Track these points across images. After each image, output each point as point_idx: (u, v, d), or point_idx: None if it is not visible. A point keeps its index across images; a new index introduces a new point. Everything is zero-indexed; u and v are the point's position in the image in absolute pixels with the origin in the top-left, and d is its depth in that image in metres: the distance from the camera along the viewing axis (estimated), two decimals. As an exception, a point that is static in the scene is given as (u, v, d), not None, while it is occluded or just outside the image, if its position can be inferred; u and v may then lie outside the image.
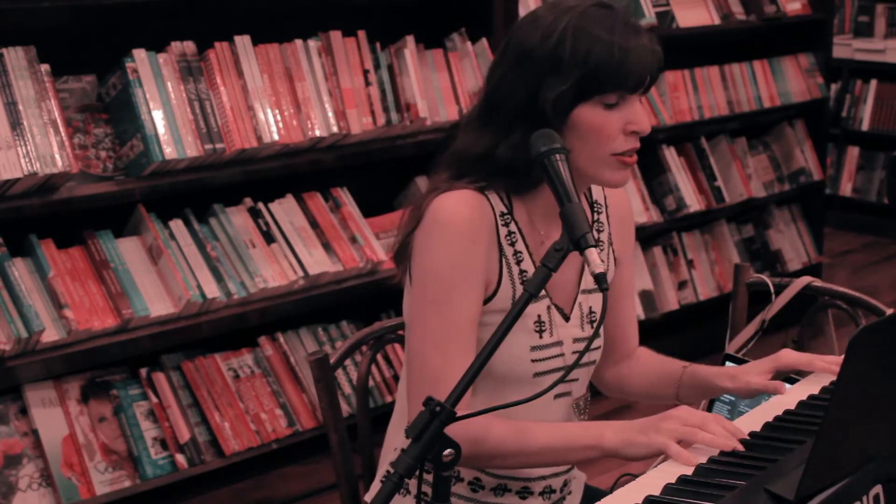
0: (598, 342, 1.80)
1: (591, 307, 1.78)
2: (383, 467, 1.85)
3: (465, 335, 1.63)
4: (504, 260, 1.68)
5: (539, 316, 1.70)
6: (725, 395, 2.06)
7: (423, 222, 1.65)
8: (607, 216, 1.85)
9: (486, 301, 1.67)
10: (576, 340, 1.75)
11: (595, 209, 1.84)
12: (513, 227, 1.69)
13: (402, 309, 1.76)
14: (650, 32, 1.65)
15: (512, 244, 1.69)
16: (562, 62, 1.59)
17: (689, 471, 1.45)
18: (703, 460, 1.49)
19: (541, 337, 1.69)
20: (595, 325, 1.77)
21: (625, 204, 1.90)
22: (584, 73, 1.59)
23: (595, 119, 1.61)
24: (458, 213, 1.63)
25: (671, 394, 1.88)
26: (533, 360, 1.69)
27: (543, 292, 1.71)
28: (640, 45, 1.60)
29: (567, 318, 1.74)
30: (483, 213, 1.65)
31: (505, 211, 1.69)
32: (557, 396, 1.76)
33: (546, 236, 1.73)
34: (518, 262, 1.69)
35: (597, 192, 1.85)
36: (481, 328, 1.67)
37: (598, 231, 1.82)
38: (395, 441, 1.83)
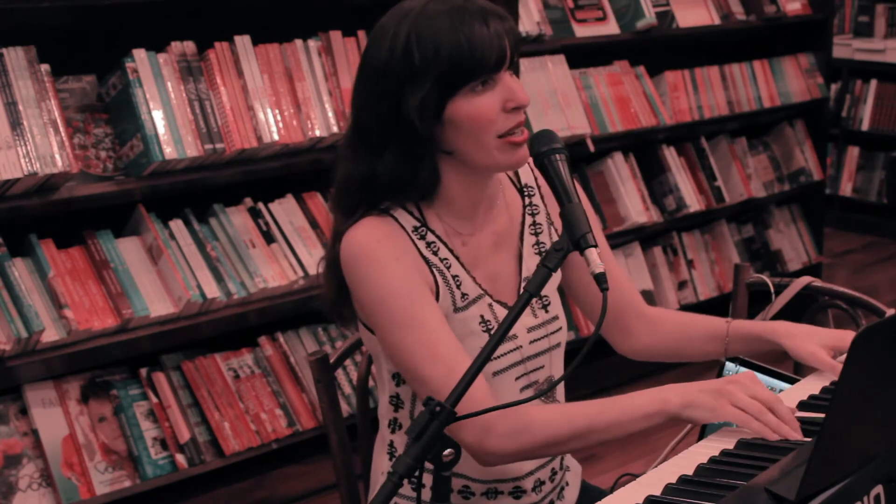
0: (559, 324, 1.77)
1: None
2: (372, 494, 1.84)
3: (447, 335, 1.60)
4: (434, 269, 1.66)
5: (482, 316, 1.68)
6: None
7: (345, 266, 1.64)
8: (541, 196, 1.81)
9: None
10: (530, 329, 1.73)
11: (527, 193, 1.80)
12: (430, 237, 1.67)
13: (367, 347, 1.75)
14: (494, 6, 1.61)
15: (435, 253, 1.67)
16: (415, 68, 1.57)
17: (689, 470, 1.45)
18: (704, 460, 1.48)
19: (489, 335, 1.66)
20: (549, 307, 1.75)
21: None
22: (440, 71, 1.56)
23: (469, 108, 1.58)
24: (368, 240, 1.62)
25: (718, 351, 1.84)
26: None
27: (480, 291, 1.69)
28: (487, 26, 1.57)
29: None
30: (392, 232, 1.64)
31: (417, 224, 1.67)
32: (525, 388, 1.74)
33: (468, 235, 1.71)
34: (448, 268, 1.67)
35: (525, 175, 1.81)
36: None
37: (534, 214, 1.79)
38: (382, 465, 1.81)
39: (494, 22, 1.58)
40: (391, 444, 1.78)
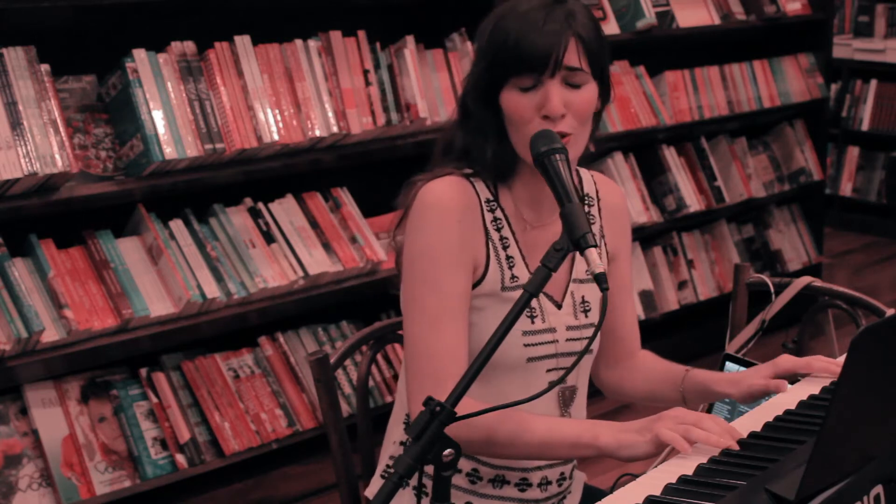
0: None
1: (583, 296, 1.80)
2: (383, 461, 1.87)
3: (456, 311, 1.67)
4: (490, 243, 1.72)
5: None
6: (726, 396, 2.05)
7: (413, 210, 1.71)
8: (598, 209, 1.86)
9: (475, 285, 1.70)
10: (569, 328, 1.77)
11: (586, 202, 1.86)
12: (499, 213, 1.74)
13: (400, 303, 1.78)
14: (572, 16, 1.65)
15: (498, 230, 1.73)
16: (483, 48, 1.70)
17: (689, 470, 1.45)
18: (704, 460, 1.48)
19: (532, 322, 1.72)
20: (589, 313, 1.79)
21: (618, 198, 1.91)
22: (491, 58, 1.67)
23: (511, 102, 1.67)
24: (441, 195, 1.69)
25: (676, 398, 1.88)
26: (525, 345, 1.71)
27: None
28: (543, 30, 1.63)
29: (559, 306, 1.77)
30: (466, 196, 1.71)
31: (490, 198, 1.74)
32: (552, 383, 1.76)
33: (531, 224, 1.76)
34: (505, 248, 1.73)
35: (588, 185, 1.87)
36: (472, 312, 1.70)
37: (590, 224, 1.82)
38: (394, 434, 1.85)
39: (554, 29, 1.63)
40: (409, 416, 1.81)
